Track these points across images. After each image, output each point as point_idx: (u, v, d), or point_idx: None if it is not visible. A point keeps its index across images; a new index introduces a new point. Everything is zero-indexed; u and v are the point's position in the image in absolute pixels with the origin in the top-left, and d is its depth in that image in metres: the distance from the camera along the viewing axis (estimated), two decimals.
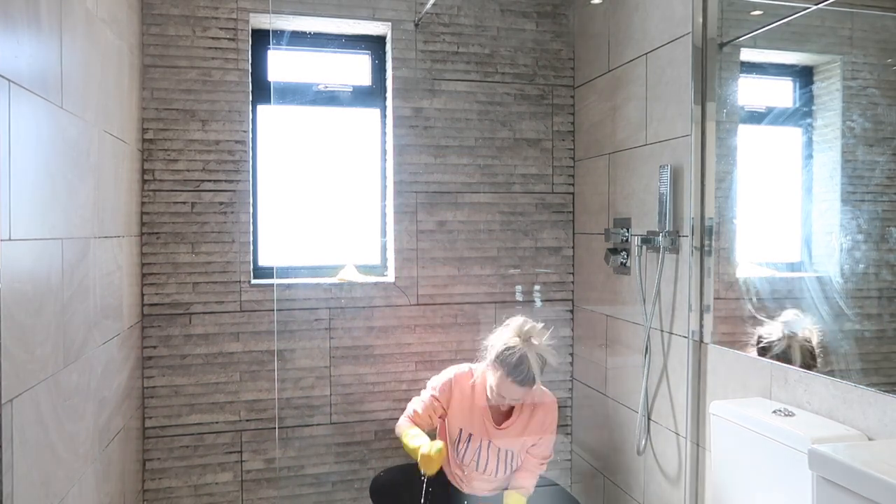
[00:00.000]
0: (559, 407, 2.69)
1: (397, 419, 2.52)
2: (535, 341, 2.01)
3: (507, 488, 2.15)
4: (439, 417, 2.15)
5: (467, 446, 2.12)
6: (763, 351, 1.70)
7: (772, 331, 1.67)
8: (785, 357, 1.62)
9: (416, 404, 2.17)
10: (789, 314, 1.64)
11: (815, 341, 1.55)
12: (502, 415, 2.14)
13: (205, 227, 2.35)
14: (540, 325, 2.07)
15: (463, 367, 2.18)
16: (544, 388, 2.20)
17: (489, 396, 2.08)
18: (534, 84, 2.64)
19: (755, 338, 1.72)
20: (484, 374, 2.11)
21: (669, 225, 2.00)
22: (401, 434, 2.11)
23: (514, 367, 1.96)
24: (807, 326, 1.58)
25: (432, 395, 2.14)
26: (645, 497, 2.19)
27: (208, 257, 2.35)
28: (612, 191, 2.38)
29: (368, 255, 2.63)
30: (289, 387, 2.43)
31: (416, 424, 2.11)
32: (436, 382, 2.17)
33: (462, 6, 2.56)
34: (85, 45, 1.66)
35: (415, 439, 2.03)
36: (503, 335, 2.04)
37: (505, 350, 1.99)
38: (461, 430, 2.12)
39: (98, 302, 1.77)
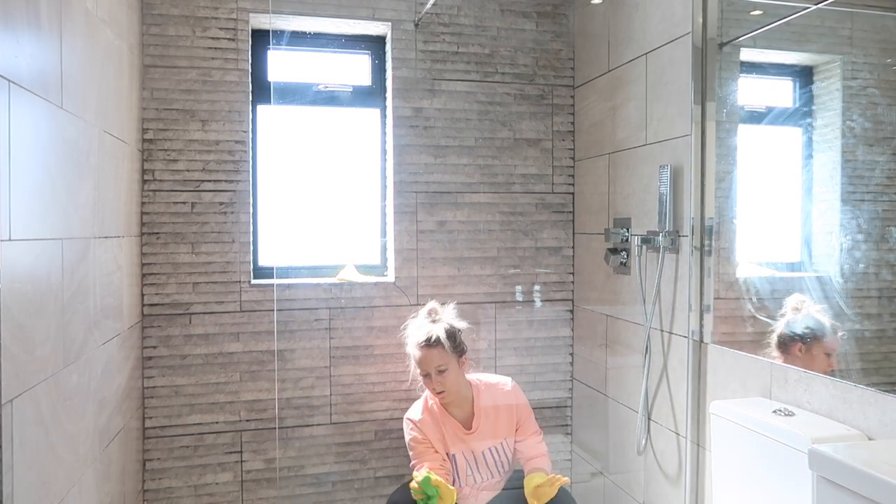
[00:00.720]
0: (558, 407, 2.70)
1: (397, 419, 2.53)
2: (437, 316, 2.20)
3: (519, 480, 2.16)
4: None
5: (455, 468, 2.15)
6: (784, 340, 1.66)
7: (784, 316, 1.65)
8: (810, 330, 1.58)
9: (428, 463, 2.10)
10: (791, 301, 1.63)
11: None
12: (467, 419, 2.17)
13: (205, 227, 2.35)
14: (439, 303, 2.28)
15: (413, 409, 2.20)
16: (497, 377, 2.27)
17: (429, 391, 2.14)
18: (534, 84, 2.64)
19: (774, 336, 1.69)
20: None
21: (669, 225, 2.00)
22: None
23: (420, 336, 2.13)
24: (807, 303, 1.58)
25: (417, 443, 2.13)
26: (645, 497, 2.19)
27: (208, 257, 2.35)
28: (612, 191, 2.38)
29: (368, 255, 2.63)
30: (289, 387, 2.43)
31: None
32: (409, 436, 2.15)
33: (462, 6, 2.56)
34: (85, 45, 1.66)
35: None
36: (410, 326, 2.23)
37: (415, 333, 2.17)
38: (445, 456, 2.14)
39: (98, 302, 1.76)
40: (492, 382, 2.23)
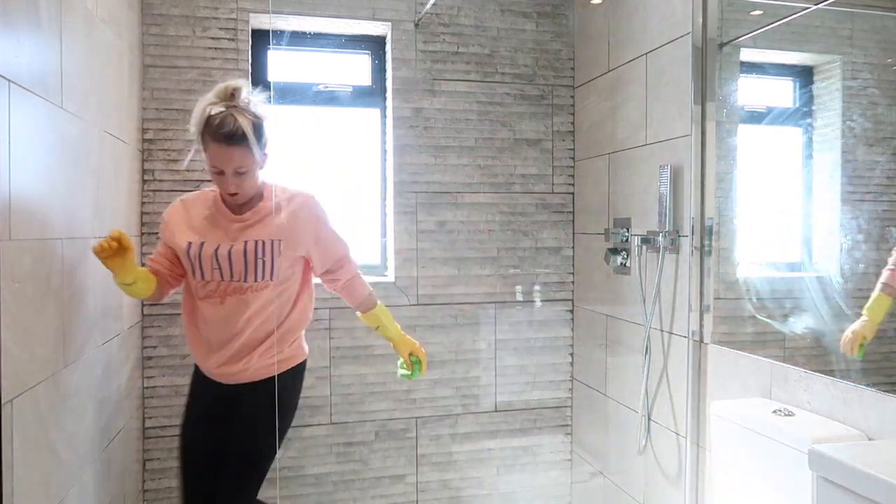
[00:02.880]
0: (558, 407, 2.70)
1: (398, 419, 2.53)
2: (238, 102, 1.69)
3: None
4: (169, 267, 1.81)
5: (200, 256, 1.74)
6: None
7: None
8: None
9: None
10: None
11: None
12: (241, 206, 1.79)
13: None
14: (241, 82, 1.74)
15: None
16: (297, 188, 1.85)
17: (219, 189, 1.76)
18: (534, 84, 2.64)
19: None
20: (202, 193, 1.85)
21: (669, 225, 2.00)
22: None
23: (219, 125, 1.64)
24: None
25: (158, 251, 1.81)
26: (645, 497, 2.19)
27: None
28: (612, 191, 2.38)
29: (368, 255, 2.63)
30: None
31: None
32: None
33: (462, 6, 2.56)
34: (85, 45, 1.66)
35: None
36: (200, 103, 1.70)
37: (206, 117, 1.67)
38: (190, 243, 1.75)
39: (98, 302, 1.76)
40: (292, 190, 1.83)
